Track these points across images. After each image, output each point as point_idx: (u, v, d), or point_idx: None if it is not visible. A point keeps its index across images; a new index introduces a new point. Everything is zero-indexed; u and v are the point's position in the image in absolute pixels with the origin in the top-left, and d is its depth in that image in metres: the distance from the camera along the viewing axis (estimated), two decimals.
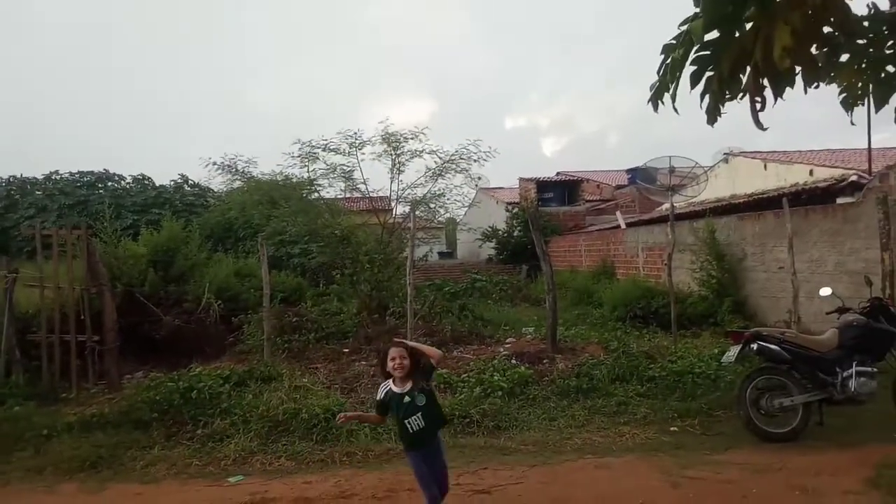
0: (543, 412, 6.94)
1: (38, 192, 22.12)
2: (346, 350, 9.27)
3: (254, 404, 6.74)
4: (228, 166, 12.58)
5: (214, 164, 12.59)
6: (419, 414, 3.88)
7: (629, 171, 25.50)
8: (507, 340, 9.94)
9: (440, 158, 11.90)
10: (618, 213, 22.46)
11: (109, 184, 22.84)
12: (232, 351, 9.48)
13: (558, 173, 30.90)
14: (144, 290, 9.90)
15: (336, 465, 5.82)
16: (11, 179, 23.03)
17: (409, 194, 12.17)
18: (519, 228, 23.07)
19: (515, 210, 24.31)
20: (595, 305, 13.74)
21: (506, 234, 23.80)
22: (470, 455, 5.93)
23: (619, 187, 28.83)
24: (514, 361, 8.19)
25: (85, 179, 22.65)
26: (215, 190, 19.39)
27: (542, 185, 27.23)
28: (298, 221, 11.88)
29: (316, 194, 12.59)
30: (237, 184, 14.30)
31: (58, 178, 22.79)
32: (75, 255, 8.35)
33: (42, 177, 23.01)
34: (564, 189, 27.69)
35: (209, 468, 5.82)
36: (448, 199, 12.45)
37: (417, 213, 11.13)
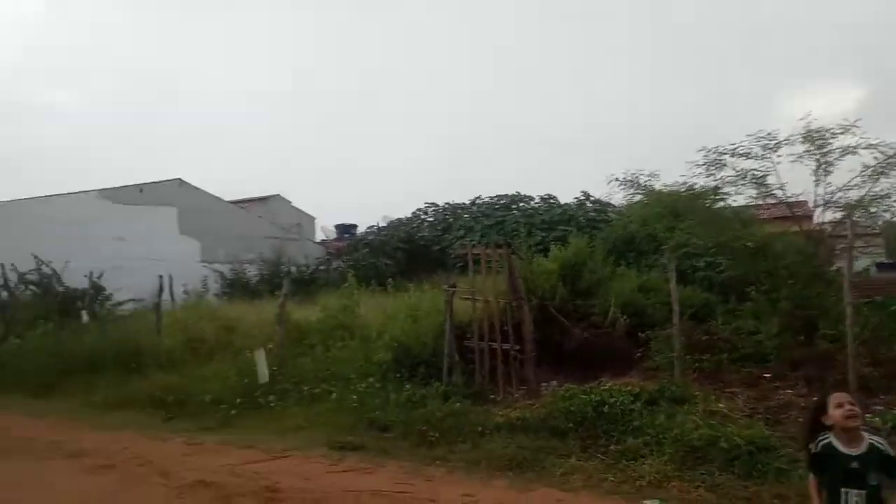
0: None
1: (465, 216, 25.70)
2: (767, 375, 8.39)
3: (666, 426, 6.53)
4: (630, 181, 12.67)
5: (616, 179, 12.83)
6: (863, 492, 2.92)
7: None
8: None
9: (881, 154, 9.94)
10: None
11: (521, 204, 25.25)
12: (639, 367, 9.43)
13: None
14: (555, 304, 10.58)
15: None
16: (446, 206, 27.31)
17: (839, 198, 10.47)
18: None
19: None
20: None
21: None
22: None
23: None
24: None
25: (501, 202, 25.51)
26: (615, 205, 19.78)
27: None
28: (704, 233, 11.27)
29: (722, 203, 11.79)
30: (637, 197, 14.36)
31: (480, 202, 26.16)
32: (499, 271, 9.39)
33: (468, 202, 26.70)
34: None
35: (624, 486, 5.83)
36: (895, 201, 10.31)
37: (855, 218, 9.51)
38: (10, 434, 8.42)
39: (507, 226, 22.66)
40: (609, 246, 16.06)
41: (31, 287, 16.11)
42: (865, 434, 3.05)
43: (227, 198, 30.21)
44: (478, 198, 26.40)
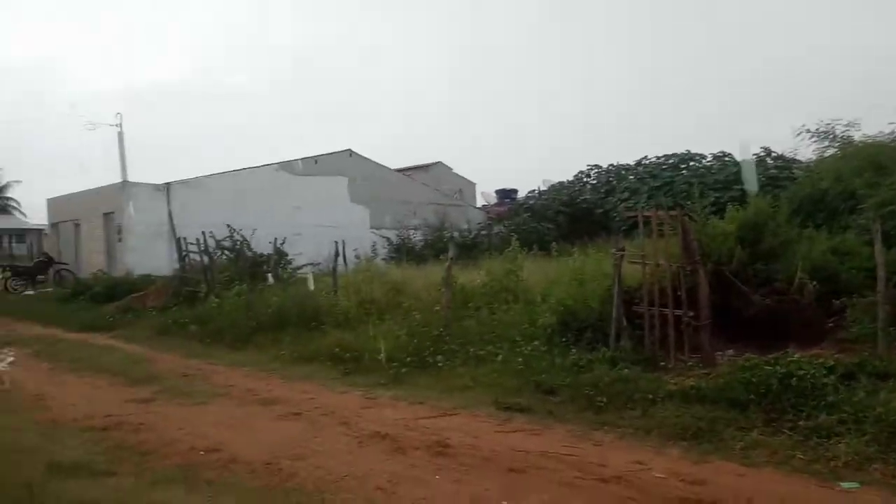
0: None
1: (630, 177, 24.72)
2: None
3: (867, 403, 5.87)
4: (823, 133, 11.43)
5: (808, 131, 11.63)
6: None
7: None
8: None
9: None
10: None
11: (691, 163, 23.79)
12: (831, 338, 8.56)
13: None
14: (732, 268, 9.85)
15: None
16: (610, 167, 26.43)
17: None
18: None
19: None
20: None
21: None
22: None
23: None
24: None
25: (669, 161, 24.20)
26: (802, 161, 17.99)
27: None
28: None
29: None
30: (830, 151, 12.95)
31: (647, 162, 25.02)
32: (672, 234, 8.90)
33: (633, 162, 25.63)
34: None
35: (815, 465, 5.35)
36: None
37: None
38: (215, 381, 9.48)
39: (675, 186, 21.52)
40: (795, 205, 14.67)
41: (226, 252, 17.92)
42: None
43: (393, 166, 31.51)
44: (644, 158, 25.28)
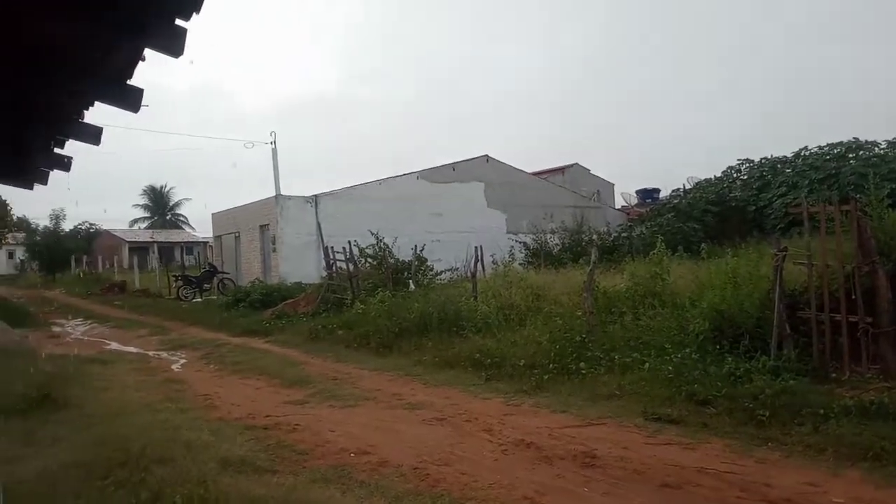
0: None
1: (787, 170, 22.80)
2: None
3: None
4: None
5: None
6: None
7: None
8: None
9: None
10: None
11: (860, 152, 21.54)
12: None
13: None
14: None
15: None
16: (763, 161, 24.53)
17: None
18: None
19: None
20: None
21: None
22: None
23: None
24: None
25: (834, 151, 22.06)
26: None
27: None
28: None
29: None
30: None
31: (807, 153, 22.97)
32: (843, 231, 8.06)
33: (791, 154, 23.62)
34: None
35: None
36: None
37: None
38: (363, 385, 9.83)
39: (842, 178, 19.56)
40: None
41: (369, 260, 18.65)
42: None
43: (529, 170, 31.36)
44: (804, 149, 23.21)
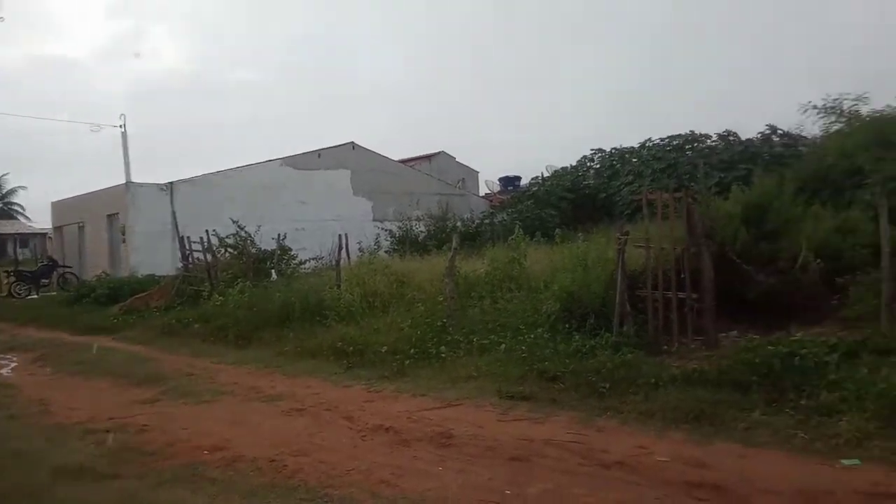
0: None
1: (634, 160, 24.49)
2: None
3: (869, 380, 5.86)
4: (831, 108, 11.32)
5: (814, 107, 11.53)
6: None
7: None
8: None
9: None
10: None
11: (696, 144, 23.55)
12: (834, 316, 8.50)
13: None
14: (735, 248, 9.77)
15: None
16: (613, 151, 26.21)
17: None
18: None
19: None
20: None
21: None
22: None
23: None
24: None
25: (674, 143, 23.95)
26: (809, 137, 17.80)
27: None
28: None
29: None
30: (836, 127, 12.83)
31: (650, 144, 24.77)
32: (676, 217, 8.84)
33: (637, 145, 25.39)
34: None
35: (817, 444, 5.34)
36: None
37: None
38: (220, 379, 9.51)
39: (680, 168, 21.32)
40: (800, 183, 14.53)
41: (230, 249, 17.95)
42: None
43: (396, 157, 31.45)
44: (647, 140, 25.02)
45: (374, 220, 25.75)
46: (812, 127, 14.42)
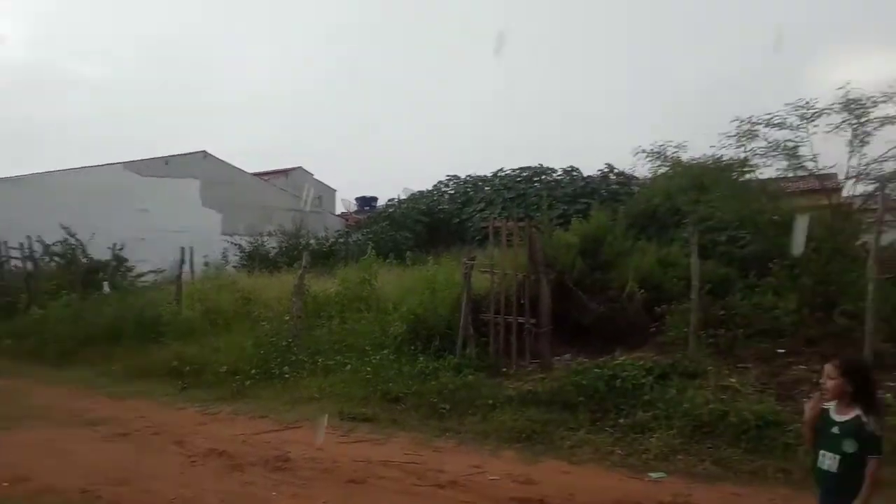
0: None
1: (487, 188, 25.44)
2: (782, 351, 8.24)
3: (677, 400, 6.50)
4: (657, 153, 12.51)
5: (643, 151, 12.68)
6: (836, 457, 3.08)
7: None
8: None
9: None
10: None
11: (543, 177, 24.92)
12: (654, 341, 9.32)
13: None
14: (573, 277, 10.46)
15: (769, 481, 5.23)
16: (468, 178, 27.07)
17: (873, 170, 10.17)
18: None
19: None
20: None
21: None
22: None
23: None
24: None
25: (524, 174, 25.18)
26: (640, 177, 19.48)
27: None
28: (728, 207, 11.08)
29: (750, 176, 11.58)
30: (663, 170, 14.17)
31: (502, 174, 25.86)
32: (519, 244, 9.30)
33: (490, 174, 26.41)
34: None
35: (631, 459, 5.83)
36: None
37: (886, 191, 9.25)
38: (31, 402, 8.61)
39: (528, 198, 22.40)
40: (631, 219, 15.85)
41: (56, 258, 16.39)
42: (858, 405, 3.10)
43: (250, 170, 30.41)
44: (500, 170, 26.09)
45: (224, 233, 24.64)
46: (643, 168, 15.84)
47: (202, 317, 11.65)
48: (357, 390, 8.14)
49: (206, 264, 16.51)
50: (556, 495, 5.12)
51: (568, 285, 10.34)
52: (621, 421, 6.46)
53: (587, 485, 5.33)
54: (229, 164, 28.17)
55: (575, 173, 24.27)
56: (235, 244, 21.34)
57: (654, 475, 5.42)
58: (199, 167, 26.94)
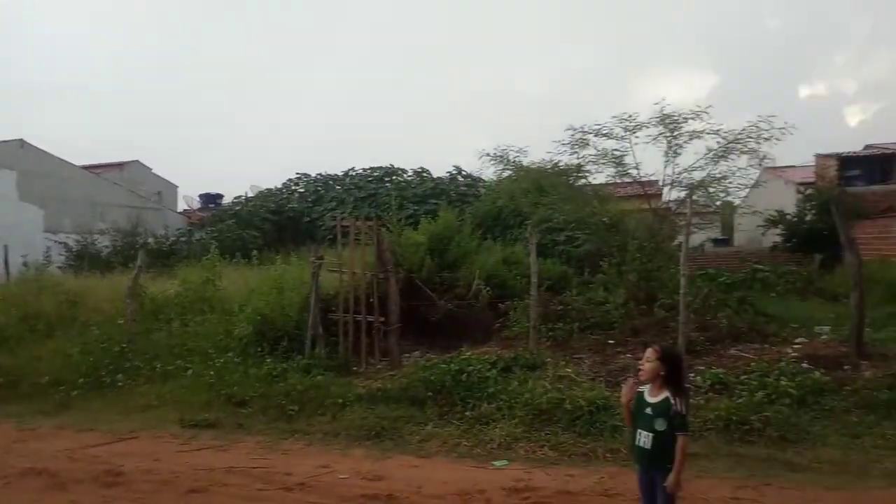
0: (843, 427, 6.01)
1: (338, 187, 25.24)
2: (612, 341, 9.01)
3: (519, 391, 6.87)
4: (500, 156, 13.11)
5: (487, 154, 13.22)
6: (650, 435, 3.48)
7: None
8: (797, 340, 8.76)
9: (723, 139, 10.91)
10: None
11: (394, 177, 25.17)
12: (498, 336, 9.79)
13: (867, 146, 26.38)
14: (422, 276, 10.70)
15: (599, 461, 5.68)
16: (318, 177, 26.67)
17: (684, 178, 11.40)
18: (813, 212, 20.18)
19: (809, 191, 21.32)
20: None
21: (796, 219, 21.00)
22: (749, 467, 5.35)
23: None
24: (805, 365, 7.18)
25: (375, 175, 25.29)
26: (486, 179, 20.26)
27: (846, 162, 23.45)
28: (565, 209, 11.89)
29: (584, 180, 12.50)
30: (507, 173, 14.86)
31: (354, 174, 25.78)
32: (368, 243, 9.33)
33: (341, 173, 26.22)
34: (875, 165, 23.58)
35: (476, 450, 6.07)
36: (730, 183, 11.39)
37: (694, 197, 10.39)
38: None
39: (379, 198, 22.53)
40: (478, 220, 16.47)
41: None
42: (668, 388, 3.50)
43: (79, 162, 27.81)
44: (351, 170, 26.01)
45: (47, 230, 22.35)
46: (488, 171, 16.53)
47: (18, 322, 10.51)
48: (199, 396, 7.78)
49: (25, 265, 14.89)
50: (405, 490, 5.22)
51: (417, 284, 10.58)
52: (468, 413, 6.72)
53: (434, 477, 5.48)
54: (52, 155, 25.57)
55: (425, 174, 24.79)
56: (61, 243, 19.45)
57: (497, 463, 5.70)
58: (16, 157, 24.20)
